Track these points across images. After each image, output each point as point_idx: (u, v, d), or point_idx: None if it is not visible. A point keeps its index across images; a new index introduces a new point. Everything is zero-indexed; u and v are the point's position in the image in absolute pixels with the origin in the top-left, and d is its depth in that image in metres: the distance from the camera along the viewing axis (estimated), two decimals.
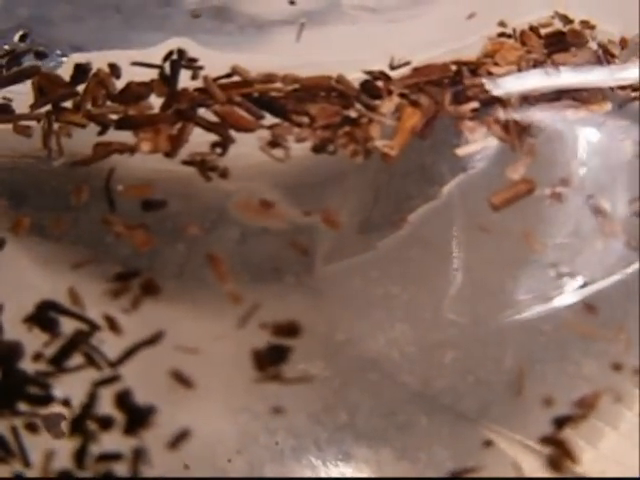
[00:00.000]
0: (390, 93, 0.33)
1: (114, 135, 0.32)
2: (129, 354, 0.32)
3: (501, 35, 0.34)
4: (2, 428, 0.32)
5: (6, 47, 0.35)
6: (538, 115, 0.33)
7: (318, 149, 0.32)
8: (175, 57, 0.33)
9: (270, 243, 0.33)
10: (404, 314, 0.33)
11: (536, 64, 0.34)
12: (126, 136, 0.32)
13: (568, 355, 0.34)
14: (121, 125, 0.32)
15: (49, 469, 0.32)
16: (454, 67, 0.33)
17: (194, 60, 0.33)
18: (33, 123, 0.33)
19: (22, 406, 0.32)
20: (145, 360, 0.32)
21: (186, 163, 0.31)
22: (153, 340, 0.32)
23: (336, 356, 0.33)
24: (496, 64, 0.33)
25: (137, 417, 0.32)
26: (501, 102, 0.33)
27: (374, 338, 0.33)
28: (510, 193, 0.32)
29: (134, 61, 0.33)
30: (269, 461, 0.33)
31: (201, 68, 0.33)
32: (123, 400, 0.32)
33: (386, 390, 0.34)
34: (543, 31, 0.34)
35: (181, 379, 0.32)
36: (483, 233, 0.33)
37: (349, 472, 0.33)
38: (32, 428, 0.32)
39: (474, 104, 0.32)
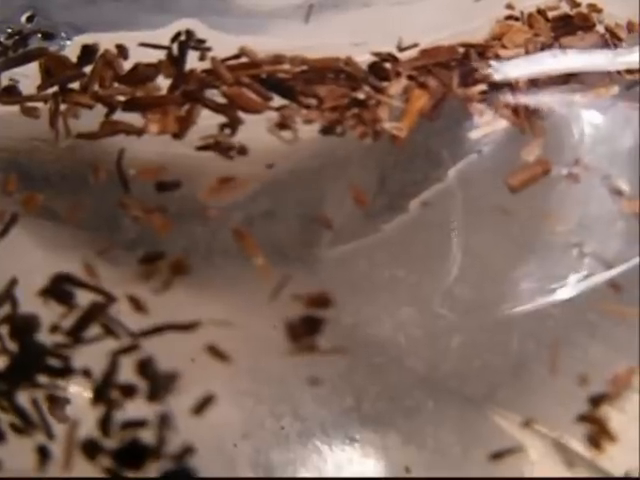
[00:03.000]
0: (398, 75, 0.33)
1: (122, 117, 0.32)
2: (159, 331, 0.32)
3: (509, 18, 0.34)
4: (23, 401, 0.32)
5: (9, 30, 0.35)
6: (546, 98, 0.33)
7: (326, 131, 0.32)
8: (183, 38, 0.33)
9: (277, 225, 0.33)
10: (410, 297, 0.33)
11: (543, 47, 0.34)
12: (134, 118, 0.32)
13: (574, 339, 0.34)
14: (129, 106, 0.32)
15: (74, 438, 0.32)
16: (462, 49, 0.33)
17: (202, 41, 0.33)
18: (40, 105, 0.33)
19: (42, 378, 0.32)
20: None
21: (201, 148, 0.31)
22: (187, 327, 0.32)
23: (341, 340, 0.33)
24: (504, 47, 0.33)
25: (160, 384, 0.32)
26: (509, 85, 0.33)
27: (380, 322, 0.33)
28: (527, 174, 0.32)
29: (142, 42, 0.33)
30: (275, 446, 0.33)
31: (209, 49, 0.33)
32: (145, 368, 0.32)
33: (392, 374, 0.34)
34: (550, 14, 0.34)
35: (216, 352, 0.32)
36: (499, 215, 0.33)
37: (355, 457, 0.33)
38: (53, 400, 0.32)
39: (482, 87, 0.33)
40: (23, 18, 0.35)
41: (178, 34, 0.33)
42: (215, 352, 0.32)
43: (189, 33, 0.33)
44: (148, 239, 0.32)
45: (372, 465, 0.33)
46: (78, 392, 0.32)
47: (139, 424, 0.32)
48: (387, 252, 0.33)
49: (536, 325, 0.34)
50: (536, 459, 0.34)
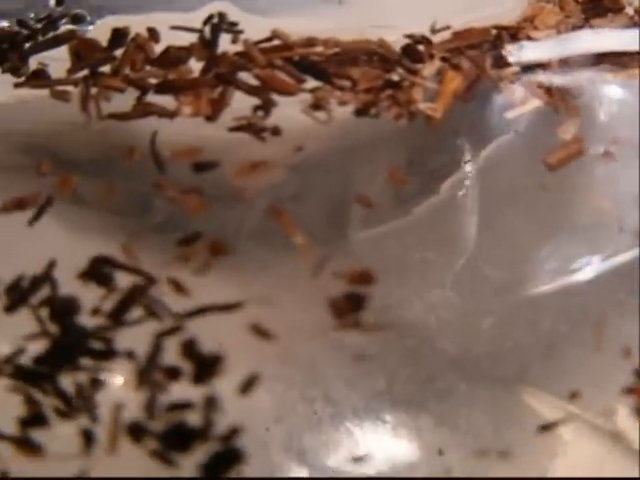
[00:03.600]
0: (431, 57, 0.33)
1: (153, 100, 0.32)
2: (202, 312, 0.32)
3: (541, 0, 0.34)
4: (66, 384, 0.32)
5: (32, 15, 0.35)
6: (578, 78, 0.33)
7: (361, 112, 0.32)
8: (215, 21, 0.33)
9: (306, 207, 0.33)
10: (441, 280, 0.33)
11: (574, 28, 0.34)
12: (166, 100, 0.32)
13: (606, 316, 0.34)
14: (161, 89, 0.32)
15: (119, 421, 0.32)
16: (494, 31, 0.33)
17: (234, 24, 0.33)
18: (70, 88, 0.33)
19: (84, 361, 0.32)
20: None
21: (234, 129, 0.31)
22: (231, 307, 0.32)
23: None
24: (535, 28, 0.33)
25: (205, 365, 0.32)
26: (541, 65, 0.33)
27: (411, 304, 0.33)
28: (564, 153, 0.32)
29: (173, 25, 0.33)
30: (307, 430, 0.33)
31: (241, 32, 0.33)
32: (190, 349, 0.32)
33: (424, 356, 0.34)
34: None
35: (259, 331, 0.32)
36: (529, 194, 0.33)
37: (388, 439, 0.33)
38: (97, 383, 0.32)
39: (515, 68, 0.33)
40: (52, 1, 0.35)
41: (210, 17, 0.33)
42: (259, 331, 0.32)
43: (221, 16, 0.33)
44: (183, 221, 0.32)
45: (405, 447, 0.33)
46: (122, 374, 0.32)
47: (185, 406, 0.32)
48: (418, 234, 0.33)
49: (567, 303, 0.34)
50: (569, 439, 0.34)
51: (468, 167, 0.33)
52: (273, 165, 0.31)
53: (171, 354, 0.32)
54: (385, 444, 0.33)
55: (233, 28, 0.33)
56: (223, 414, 0.32)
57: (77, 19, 0.34)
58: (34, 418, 0.31)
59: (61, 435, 0.32)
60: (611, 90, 0.33)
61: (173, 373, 0.32)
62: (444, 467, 0.33)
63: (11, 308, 0.32)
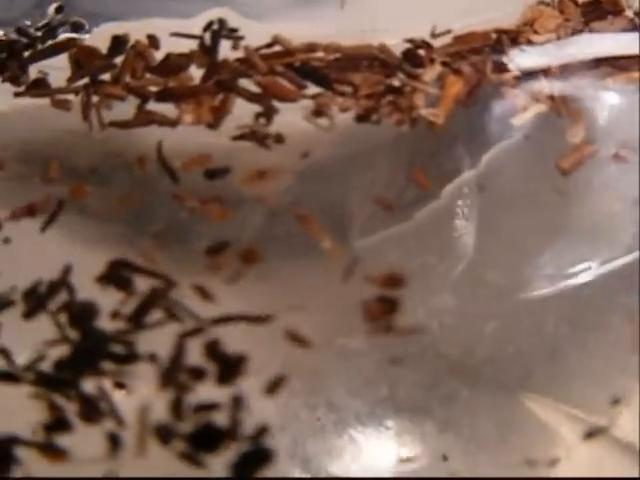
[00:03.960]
0: (432, 61, 0.33)
1: (154, 108, 0.32)
2: (230, 320, 0.31)
3: (540, 3, 0.34)
4: (89, 388, 0.32)
5: (27, 23, 0.35)
6: (578, 82, 0.33)
7: (362, 118, 0.32)
8: (216, 27, 0.33)
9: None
10: (442, 285, 0.33)
11: (574, 32, 0.34)
12: (166, 108, 0.32)
13: (609, 321, 0.34)
14: (162, 97, 0.32)
15: (146, 423, 0.31)
16: (495, 35, 0.33)
17: (234, 30, 0.33)
18: (71, 97, 0.33)
19: (107, 365, 0.32)
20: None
21: (237, 138, 0.31)
22: (261, 319, 0.31)
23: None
24: (536, 32, 0.33)
25: (230, 366, 0.31)
26: (542, 70, 0.33)
27: (413, 310, 0.33)
28: (576, 156, 0.32)
29: (173, 32, 0.33)
30: (311, 436, 0.33)
31: (242, 38, 0.33)
32: (213, 350, 0.31)
33: (426, 362, 0.34)
34: None
35: (295, 337, 0.32)
36: (531, 199, 0.33)
37: (393, 446, 0.33)
38: (121, 386, 0.32)
39: (516, 72, 0.33)
40: (51, 9, 0.35)
41: (210, 23, 0.33)
42: (294, 338, 0.32)
43: (222, 22, 0.33)
44: (202, 229, 0.32)
45: (409, 453, 0.33)
46: (145, 377, 0.32)
47: (212, 407, 0.31)
48: (419, 239, 0.33)
49: (569, 307, 0.34)
50: (572, 445, 0.34)
51: (469, 172, 0.33)
52: (280, 172, 0.31)
53: (194, 355, 0.32)
54: (389, 451, 0.33)
55: (233, 34, 0.33)
56: (250, 413, 0.32)
57: (77, 27, 0.34)
58: (57, 423, 0.31)
59: (86, 439, 0.32)
60: (611, 94, 0.33)
61: (198, 374, 0.31)
62: (449, 473, 0.33)
63: (29, 315, 0.31)
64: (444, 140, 0.33)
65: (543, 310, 0.33)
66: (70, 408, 0.31)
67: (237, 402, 0.32)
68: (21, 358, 0.32)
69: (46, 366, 0.31)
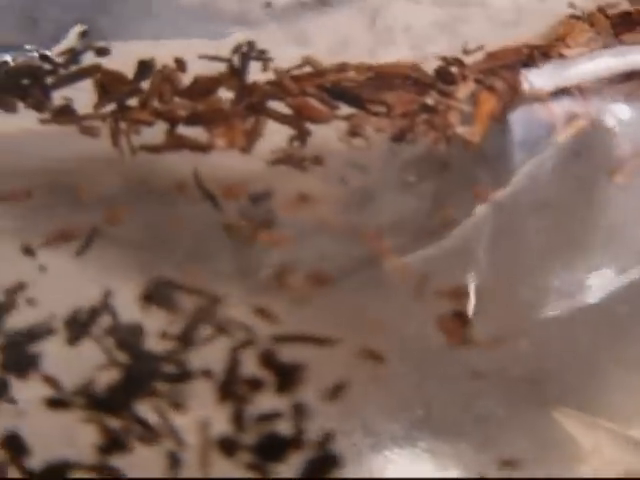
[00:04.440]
0: (465, 79, 0.32)
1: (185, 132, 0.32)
2: (294, 340, 0.31)
3: (571, 17, 0.34)
4: (146, 410, 0.31)
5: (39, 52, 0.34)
6: (612, 96, 0.33)
7: (397, 138, 0.31)
8: (244, 49, 0.33)
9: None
10: (476, 302, 0.33)
11: (605, 45, 0.33)
12: (197, 133, 0.32)
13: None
14: (192, 121, 0.32)
15: (208, 439, 0.31)
16: (526, 50, 0.33)
17: (263, 52, 0.33)
18: (98, 122, 0.32)
19: (161, 386, 0.31)
20: None
21: (274, 162, 0.31)
22: (326, 342, 0.31)
23: (408, 349, 0.33)
24: (567, 46, 0.33)
25: (287, 374, 0.31)
26: (575, 85, 0.32)
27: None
28: (630, 168, 0.32)
29: (202, 54, 0.32)
30: (349, 461, 0.32)
31: (271, 60, 0.33)
32: (269, 360, 0.31)
33: (461, 382, 0.33)
34: (610, 11, 0.34)
35: (372, 355, 0.32)
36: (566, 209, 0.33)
37: (430, 468, 0.33)
38: (177, 406, 0.31)
39: (549, 87, 0.32)
40: (73, 33, 0.34)
41: (239, 45, 0.33)
42: (371, 355, 0.31)
43: (250, 44, 0.33)
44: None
45: (446, 475, 0.33)
46: (202, 393, 0.32)
47: (273, 416, 0.31)
48: (445, 259, 0.33)
49: (605, 321, 0.33)
50: (611, 460, 0.34)
51: (507, 188, 0.33)
52: (321, 198, 0.31)
53: (250, 366, 0.31)
54: (427, 473, 0.33)
55: (263, 56, 0.33)
56: (313, 421, 0.31)
57: (101, 52, 0.33)
58: (112, 445, 0.31)
59: (143, 460, 0.31)
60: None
61: (255, 384, 0.31)
62: None
63: (74, 341, 0.31)
64: (477, 155, 0.33)
65: (578, 324, 0.33)
66: (124, 430, 0.31)
67: (299, 410, 0.31)
68: (69, 384, 0.31)
69: (97, 390, 0.31)
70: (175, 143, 0.31)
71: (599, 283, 0.33)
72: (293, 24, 0.34)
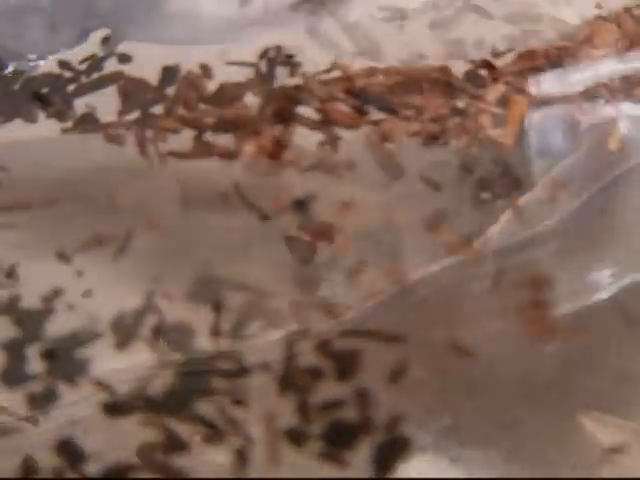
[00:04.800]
0: (495, 81, 0.32)
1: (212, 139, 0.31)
2: (360, 335, 0.31)
3: (598, 18, 0.34)
4: (207, 409, 0.31)
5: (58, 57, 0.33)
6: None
7: (429, 142, 0.31)
8: (272, 55, 0.32)
9: None
10: (500, 309, 0.33)
11: (632, 45, 0.33)
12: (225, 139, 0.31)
13: None
14: (219, 128, 0.31)
15: (276, 431, 0.31)
16: (555, 52, 0.33)
17: (291, 56, 0.32)
18: (123, 130, 0.32)
19: (219, 383, 0.31)
20: None
21: (307, 169, 0.31)
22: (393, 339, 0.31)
23: (435, 357, 0.32)
24: (594, 47, 0.33)
25: (346, 361, 0.31)
26: (604, 85, 0.32)
27: (472, 335, 0.32)
28: None
29: (228, 60, 0.32)
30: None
31: (299, 64, 0.32)
32: (325, 348, 0.31)
33: (488, 389, 0.33)
34: (636, 12, 0.34)
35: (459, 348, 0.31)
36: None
37: (461, 476, 0.32)
38: (239, 402, 0.31)
39: (579, 87, 0.32)
40: (95, 39, 0.33)
41: (266, 50, 0.32)
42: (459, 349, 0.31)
43: (278, 49, 0.32)
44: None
45: None
46: (262, 386, 0.31)
47: (338, 403, 0.31)
48: (474, 267, 0.33)
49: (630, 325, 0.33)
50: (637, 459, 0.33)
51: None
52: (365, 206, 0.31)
53: (307, 356, 0.31)
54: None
55: (290, 60, 0.32)
56: (378, 405, 0.31)
57: (123, 59, 0.33)
58: (174, 445, 0.31)
59: (209, 459, 0.31)
60: None
61: (315, 374, 0.31)
62: None
63: (123, 344, 0.31)
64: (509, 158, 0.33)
65: (605, 329, 0.33)
66: (187, 431, 0.31)
67: (362, 395, 0.31)
68: (124, 388, 0.31)
69: (154, 392, 0.31)
70: (203, 151, 0.31)
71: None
72: (365, 37, 0.34)
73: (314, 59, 0.32)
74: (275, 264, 0.31)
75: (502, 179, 0.32)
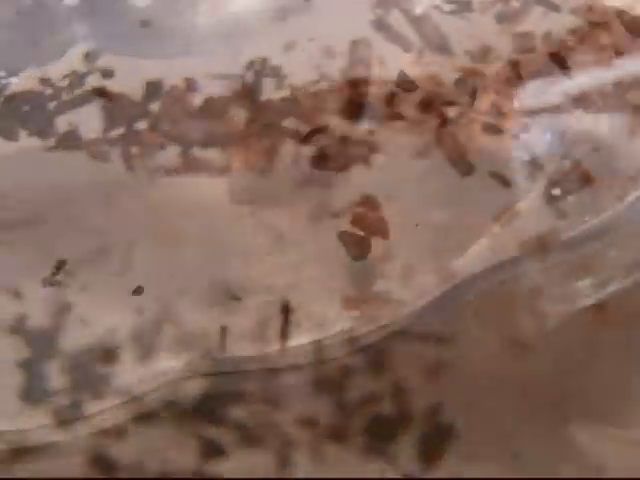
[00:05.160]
0: (485, 89, 0.31)
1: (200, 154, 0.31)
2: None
3: (590, 23, 0.33)
4: (241, 413, 0.30)
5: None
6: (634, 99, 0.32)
7: (422, 152, 0.31)
8: (257, 67, 0.31)
9: None
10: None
11: (623, 50, 0.33)
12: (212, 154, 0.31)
13: None
14: (207, 143, 0.30)
15: (316, 430, 0.30)
16: (544, 59, 0.32)
17: (277, 68, 0.32)
18: (107, 147, 0.31)
19: (251, 387, 0.30)
20: None
21: (303, 183, 0.30)
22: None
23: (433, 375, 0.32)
24: (585, 52, 0.32)
25: (375, 356, 0.30)
26: (595, 90, 0.32)
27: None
28: None
29: (214, 73, 0.31)
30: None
31: (285, 76, 0.31)
32: (352, 344, 0.30)
33: (484, 402, 0.33)
34: (626, 16, 0.34)
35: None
36: None
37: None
38: (274, 404, 0.30)
39: (573, 94, 0.32)
40: (75, 54, 0.32)
41: (252, 62, 0.31)
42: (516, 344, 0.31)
43: (264, 61, 0.31)
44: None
45: None
46: (294, 387, 0.31)
47: (374, 397, 0.30)
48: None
49: (628, 334, 0.33)
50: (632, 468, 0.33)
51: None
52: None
53: (338, 353, 0.31)
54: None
55: (276, 72, 0.31)
56: (415, 396, 0.31)
57: (106, 74, 0.32)
58: (211, 452, 0.30)
59: (249, 464, 0.30)
60: None
61: (348, 370, 0.30)
62: None
63: (145, 354, 0.30)
64: None
65: (598, 339, 0.33)
66: (223, 437, 0.30)
67: (398, 387, 0.30)
68: (152, 398, 0.30)
69: (185, 401, 0.30)
70: (191, 166, 0.30)
71: None
72: (433, 30, 0.34)
73: (299, 71, 0.31)
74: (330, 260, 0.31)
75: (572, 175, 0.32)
